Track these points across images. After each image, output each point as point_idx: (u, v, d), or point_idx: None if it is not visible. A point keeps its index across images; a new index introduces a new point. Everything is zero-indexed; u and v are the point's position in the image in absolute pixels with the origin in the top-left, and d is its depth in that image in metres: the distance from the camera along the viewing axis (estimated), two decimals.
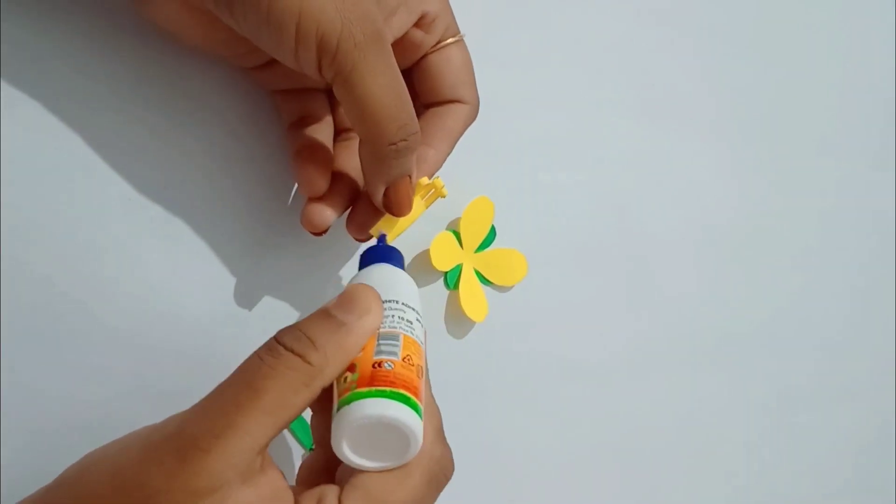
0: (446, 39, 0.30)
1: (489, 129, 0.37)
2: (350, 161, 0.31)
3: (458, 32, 0.31)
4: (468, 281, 0.36)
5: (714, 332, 0.41)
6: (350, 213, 0.30)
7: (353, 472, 0.24)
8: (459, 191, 0.35)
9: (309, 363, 0.23)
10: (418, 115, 0.31)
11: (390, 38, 0.27)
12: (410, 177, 0.28)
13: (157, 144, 0.30)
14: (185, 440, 0.22)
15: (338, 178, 0.30)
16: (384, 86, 0.25)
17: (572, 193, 0.38)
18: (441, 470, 0.25)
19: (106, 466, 0.22)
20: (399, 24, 0.28)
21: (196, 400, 0.31)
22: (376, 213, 0.30)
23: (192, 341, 0.31)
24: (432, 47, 0.30)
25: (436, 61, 0.30)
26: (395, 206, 0.28)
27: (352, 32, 0.24)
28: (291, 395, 0.22)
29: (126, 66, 0.30)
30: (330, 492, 0.23)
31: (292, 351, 0.23)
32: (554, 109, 0.38)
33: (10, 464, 0.28)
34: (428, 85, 0.31)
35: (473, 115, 0.32)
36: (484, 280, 0.36)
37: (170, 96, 0.30)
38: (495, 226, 0.36)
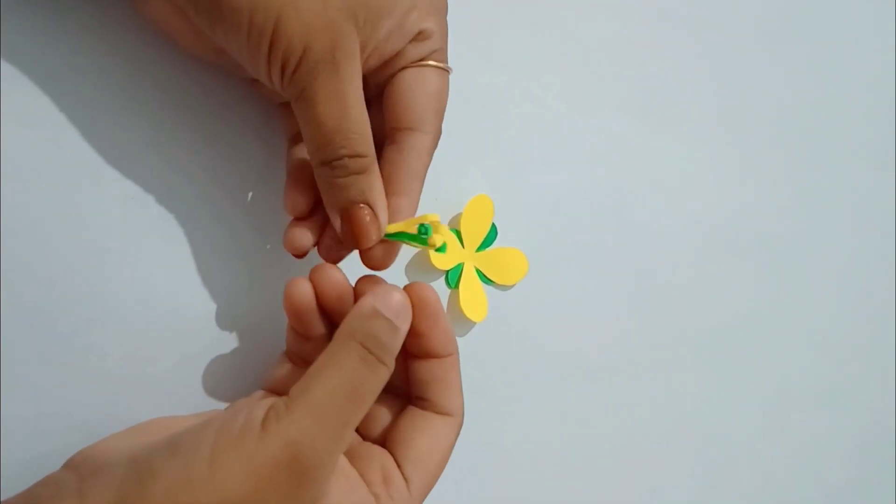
0: (429, 60, 0.29)
1: (489, 127, 0.37)
2: None
3: (446, 62, 0.29)
4: (469, 280, 0.36)
5: (715, 331, 0.41)
6: (320, 237, 0.29)
7: (395, 430, 0.28)
8: (459, 189, 0.36)
9: (389, 370, 0.25)
10: (382, 138, 0.30)
11: (355, 63, 0.26)
12: (372, 206, 0.27)
13: (158, 144, 0.30)
14: (304, 463, 0.22)
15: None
16: (328, 110, 0.25)
17: (573, 193, 0.38)
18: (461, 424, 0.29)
19: (207, 493, 0.22)
20: (391, 49, 0.27)
21: (196, 400, 0.31)
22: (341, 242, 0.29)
23: (192, 341, 0.31)
24: (412, 62, 0.28)
25: (409, 77, 0.29)
26: (348, 236, 0.27)
27: (308, 56, 0.24)
28: (374, 399, 0.25)
29: (129, 65, 0.30)
30: (386, 460, 0.27)
31: (382, 362, 0.25)
32: (556, 108, 0.38)
33: (10, 464, 0.28)
34: (394, 101, 0.29)
35: (434, 149, 0.30)
36: (485, 279, 0.36)
37: (173, 96, 0.30)
38: (496, 224, 0.36)
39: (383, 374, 0.25)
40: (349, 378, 0.24)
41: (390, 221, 0.28)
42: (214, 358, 0.31)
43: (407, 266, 0.35)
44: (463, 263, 0.36)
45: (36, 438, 0.29)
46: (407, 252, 0.35)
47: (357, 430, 0.29)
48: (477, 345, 0.36)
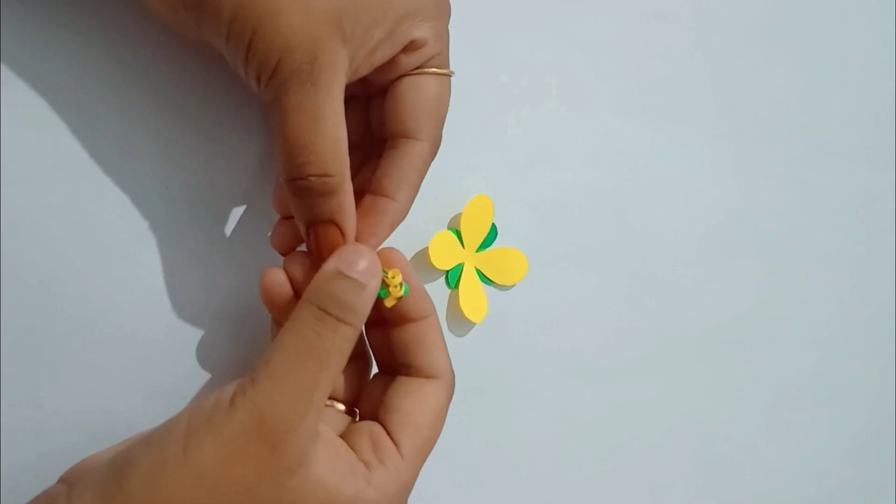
0: (429, 67, 0.28)
1: (489, 127, 0.37)
2: None
3: (447, 67, 0.29)
4: (469, 280, 0.36)
5: (715, 331, 0.41)
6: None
7: (382, 401, 0.27)
8: (459, 189, 0.36)
9: (354, 329, 0.25)
10: (376, 149, 0.30)
11: (336, 76, 0.25)
12: (340, 226, 0.26)
13: (158, 144, 0.30)
14: (272, 426, 0.23)
15: None
16: (299, 123, 0.24)
17: (573, 192, 0.38)
18: (453, 389, 0.29)
19: (183, 472, 0.22)
20: (381, 57, 0.27)
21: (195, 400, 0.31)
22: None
23: (192, 341, 0.31)
24: (410, 70, 0.28)
25: (406, 85, 0.28)
26: (314, 251, 0.27)
27: (283, 67, 0.24)
28: (343, 359, 0.25)
29: (129, 66, 0.30)
30: (375, 429, 0.26)
31: (342, 321, 0.24)
32: (555, 108, 0.38)
33: (10, 464, 0.28)
34: (391, 109, 0.28)
35: (432, 156, 0.29)
36: (485, 279, 0.36)
37: (173, 97, 0.30)
38: (496, 224, 0.36)
39: (345, 333, 0.25)
40: (306, 338, 0.24)
41: (379, 222, 0.28)
42: (216, 357, 0.31)
43: None
44: (463, 263, 0.36)
45: (36, 438, 0.29)
46: (406, 252, 0.35)
47: (350, 412, 0.29)
48: (477, 345, 0.36)
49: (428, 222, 0.34)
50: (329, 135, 0.25)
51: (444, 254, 0.35)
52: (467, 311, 0.35)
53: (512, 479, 0.38)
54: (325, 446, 0.25)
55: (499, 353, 0.37)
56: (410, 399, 0.27)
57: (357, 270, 0.25)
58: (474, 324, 0.36)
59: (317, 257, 0.27)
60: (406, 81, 0.28)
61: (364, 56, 0.26)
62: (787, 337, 0.43)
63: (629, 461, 0.40)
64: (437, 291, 0.36)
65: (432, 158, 0.29)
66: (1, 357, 0.28)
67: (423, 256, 0.35)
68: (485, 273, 0.36)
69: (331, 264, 0.25)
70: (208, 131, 0.31)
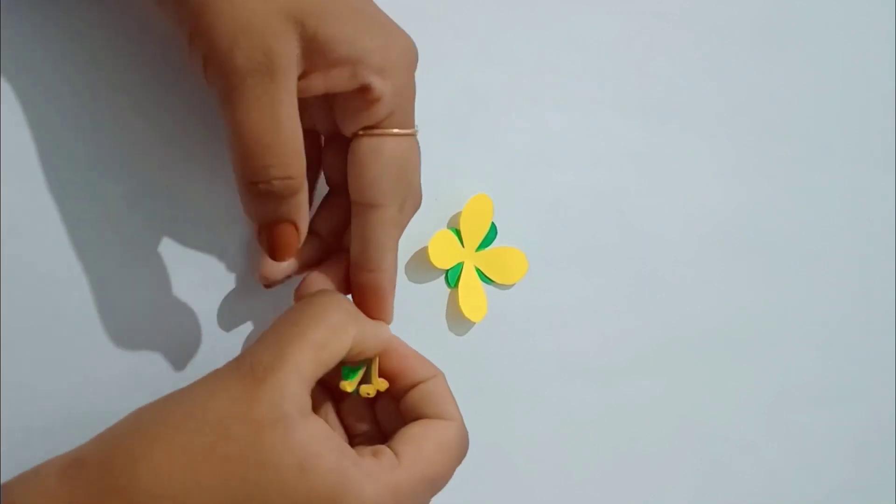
0: (388, 128, 0.26)
1: (489, 127, 0.37)
2: (327, 220, 0.30)
3: (411, 127, 0.27)
4: (468, 280, 0.36)
5: (715, 331, 0.41)
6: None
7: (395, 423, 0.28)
8: (459, 188, 0.36)
9: (328, 303, 0.26)
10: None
11: (292, 74, 0.23)
12: (296, 224, 0.25)
13: (159, 143, 0.30)
14: (246, 369, 0.23)
15: (308, 234, 0.28)
16: (255, 119, 0.23)
17: (573, 192, 0.38)
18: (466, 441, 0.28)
19: (164, 401, 0.25)
20: (334, 82, 0.25)
21: None
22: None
23: (192, 341, 0.31)
24: (364, 129, 0.26)
25: (363, 147, 0.26)
26: (268, 248, 0.26)
27: (235, 55, 0.22)
28: (333, 335, 0.25)
29: (130, 64, 0.29)
30: (379, 446, 0.26)
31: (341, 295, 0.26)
32: (555, 107, 0.38)
33: (10, 464, 0.28)
34: (352, 175, 0.26)
35: (408, 215, 0.28)
36: (485, 278, 0.36)
37: (175, 95, 0.30)
38: (496, 224, 0.36)
39: (319, 301, 0.26)
40: (288, 314, 0.26)
41: (381, 299, 0.28)
42: (217, 358, 0.31)
43: (406, 265, 0.35)
44: (462, 263, 0.36)
45: (36, 438, 0.29)
46: (406, 251, 0.35)
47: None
48: (477, 345, 0.36)
49: (428, 222, 0.34)
50: (290, 135, 0.24)
51: (444, 253, 0.35)
52: (467, 311, 0.35)
53: (512, 479, 0.38)
54: (316, 423, 0.24)
55: (498, 352, 0.37)
56: (419, 426, 0.27)
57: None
58: (474, 323, 0.36)
59: (270, 253, 0.26)
60: (364, 143, 0.26)
61: (320, 66, 0.24)
62: (787, 337, 0.43)
63: (629, 461, 0.40)
64: (436, 291, 0.36)
65: (409, 215, 0.28)
66: (1, 357, 0.28)
67: (422, 255, 0.35)
68: (484, 272, 0.36)
69: None
70: (213, 130, 0.31)
